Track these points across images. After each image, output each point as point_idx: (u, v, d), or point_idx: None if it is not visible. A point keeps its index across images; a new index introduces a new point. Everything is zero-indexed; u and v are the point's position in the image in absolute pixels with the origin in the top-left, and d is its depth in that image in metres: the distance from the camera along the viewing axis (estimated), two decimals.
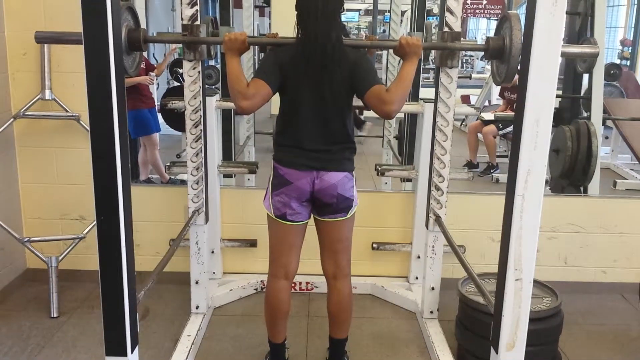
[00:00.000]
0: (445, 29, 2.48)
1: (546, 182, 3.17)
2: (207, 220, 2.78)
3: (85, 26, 1.52)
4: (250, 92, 2.06)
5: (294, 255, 2.33)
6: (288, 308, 2.35)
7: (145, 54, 3.85)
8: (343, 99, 2.16)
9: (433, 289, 2.82)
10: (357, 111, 4.58)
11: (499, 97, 6.47)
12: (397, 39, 2.21)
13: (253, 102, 2.07)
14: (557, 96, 4.50)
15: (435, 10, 6.16)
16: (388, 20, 6.62)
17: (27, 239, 3.01)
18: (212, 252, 3.11)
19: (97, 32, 1.52)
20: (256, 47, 4.20)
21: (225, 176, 3.45)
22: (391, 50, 4.46)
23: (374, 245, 3.25)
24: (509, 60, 2.07)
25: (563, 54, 1.87)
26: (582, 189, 3.81)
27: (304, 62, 2.09)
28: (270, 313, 2.35)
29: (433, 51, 3.03)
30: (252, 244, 3.23)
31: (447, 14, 2.47)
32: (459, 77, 2.62)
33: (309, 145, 2.17)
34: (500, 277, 1.80)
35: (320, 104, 2.14)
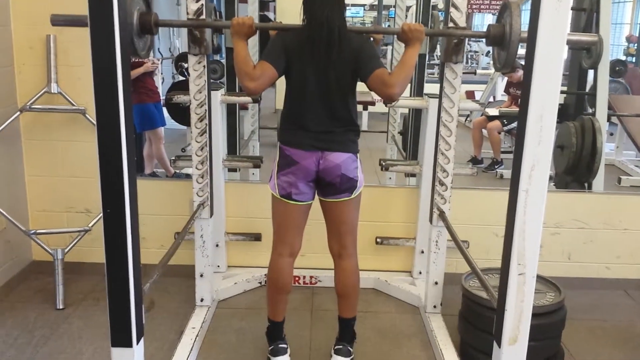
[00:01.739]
0: (450, 25, 2.48)
1: (550, 178, 3.16)
2: (211, 213, 2.80)
3: (91, 11, 1.52)
4: (256, 73, 2.14)
5: (298, 235, 2.40)
6: (291, 284, 2.44)
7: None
8: (347, 83, 2.23)
9: (436, 283, 2.83)
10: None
11: (504, 93, 6.46)
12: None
13: (259, 83, 2.15)
14: (562, 92, 4.49)
15: (441, 5, 6.15)
16: (393, 16, 6.60)
17: (33, 231, 3.03)
18: (217, 245, 3.13)
19: (103, 16, 1.52)
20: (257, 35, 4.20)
21: (229, 170, 3.47)
22: (396, 46, 4.48)
23: (378, 239, 3.26)
24: (508, 46, 2.13)
25: None
26: (586, 185, 3.80)
27: (309, 46, 2.17)
28: (274, 289, 2.42)
29: (438, 46, 3.04)
30: (257, 237, 3.24)
31: (452, 9, 2.47)
32: (463, 73, 2.62)
33: (313, 127, 2.24)
34: (504, 271, 1.80)
35: (324, 87, 2.21)
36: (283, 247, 2.38)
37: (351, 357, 2.47)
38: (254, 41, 4.06)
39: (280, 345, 2.46)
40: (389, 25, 11.76)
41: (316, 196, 2.40)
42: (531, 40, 1.62)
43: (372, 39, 2.45)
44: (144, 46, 2.20)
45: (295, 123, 2.27)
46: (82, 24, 2.06)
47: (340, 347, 2.46)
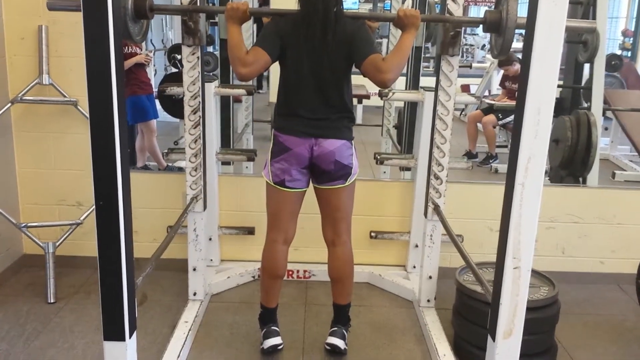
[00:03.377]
0: (447, 16, 2.46)
1: (545, 172, 3.15)
2: (205, 207, 2.78)
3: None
4: (249, 59, 2.13)
5: (293, 222, 2.41)
6: (284, 272, 2.45)
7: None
8: (341, 69, 2.22)
9: (430, 277, 2.83)
10: None
11: (499, 87, 6.45)
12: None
13: (251, 69, 2.14)
14: (558, 86, 4.46)
15: None
16: (388, 8, 6.58)
17: (24, 224, 3.00)
18: (210, 239, 3.11)
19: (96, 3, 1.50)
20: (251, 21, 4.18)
21: (223, 163, 3.45)
22: (392, 40, 4.45)
23: (372, 234, 3.25)
24: (504, 32, 2.12)
25: None
26: (581, 179, 3.80)
27: (304, 29, 2.15)
28: (267, 275, 2.43)
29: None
30: (250, 231, 3.23)
31: (449, 1, 2.45)
32: (459, 66, 2.60)
33: (307, 113, 2.24)
34: (499, 265, 1.80)
35: (318, 73, 2.20)
36: (277, 234, 2.39)
37: (345, 341, 2.49)
38: (249, 31, 4.03)
39: (273, 328, 2.48)
40: None
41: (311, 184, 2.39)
42: (529, 33, 1.61)
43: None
44: (139, 31, 2.18)
45: (289, 109, 2.27)
46: (78, 9, 2.04)
47: (335, 329, 2.49)
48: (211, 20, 2.76)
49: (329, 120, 2.26)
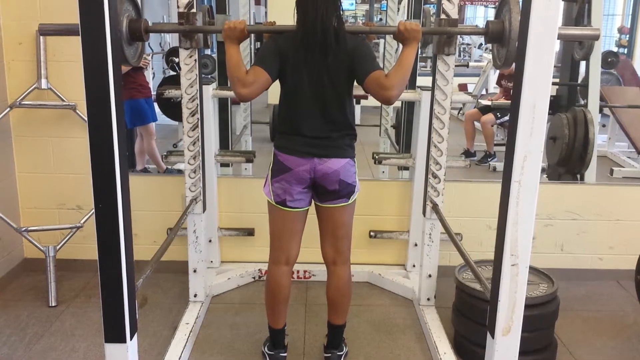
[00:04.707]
0: (443, 16, 2.47)
1: (543, 169, 3.16)
2: (204, 209, 2.78)
3: (82, 17, 1.52)
4: (249, 79, 2.07)
5: (295, 242, 2.34)
6: (288, 293, 2.37)
7: None
8: (342, 86, 2.16)
9: (430, 276, 2.84)
10: None
11: (497, 86, 6.47)
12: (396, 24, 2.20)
13: (252, 89, 2.07)
14: (554, 84, 4.49)
15: None
16: (385, 9, 6.59)
17: (24, 228, 3.01)
18: (210, 241, 3.12)
19: (94, 22, 1.51)
20: (252, 35, 4.20)
21: (222, 165, 3.45)
22: (389, 41, 4.46)
23: (372, 233, 3.26)
24: (508, 42, 2.07)
25: (563, 37, 1.86)
26: (578, 176, 3.81)
27: (303, 49, 2.10)
28: (270, 298, 2.37)
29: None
30: (250, 232, 3.24)
31: (444, 1, 2.46)
32: (456, 66, 2.61)
33: (309, 132, 2.18)
34: (497, 262, 1.81)
35: (319, 91, 2.15)
36: (279, 255, 2.33)
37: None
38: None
39: (281, 355, 2.43)
40: (380, 19, 11.76)
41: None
42: (523, 29, 1.62)
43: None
44: (134, 53, 2.14)
45: (290, 128, 2.20)
46: (71, 32, 2.04)
47: (330, 355, 2.44)
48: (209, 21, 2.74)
49: (331, 139, 2.19)
